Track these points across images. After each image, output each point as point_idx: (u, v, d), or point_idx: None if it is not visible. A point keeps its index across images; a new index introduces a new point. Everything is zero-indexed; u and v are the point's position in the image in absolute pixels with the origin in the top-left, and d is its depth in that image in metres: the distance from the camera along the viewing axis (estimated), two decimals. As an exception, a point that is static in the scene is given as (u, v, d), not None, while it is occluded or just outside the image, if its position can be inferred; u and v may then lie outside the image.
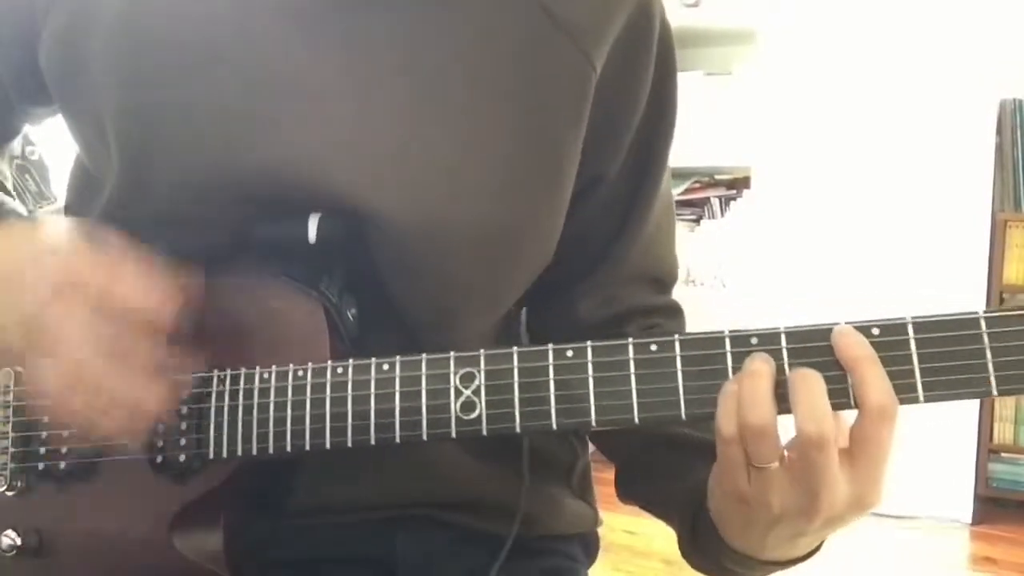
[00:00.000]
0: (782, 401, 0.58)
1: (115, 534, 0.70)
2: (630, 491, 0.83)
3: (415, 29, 0.73)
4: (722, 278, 3.30)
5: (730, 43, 3.26)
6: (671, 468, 0.76)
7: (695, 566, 0.74)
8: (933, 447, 2.88)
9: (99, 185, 0.77)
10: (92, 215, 0.78)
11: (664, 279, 0.86)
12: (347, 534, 0.80)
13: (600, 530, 0.92)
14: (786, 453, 0.58)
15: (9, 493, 0.72)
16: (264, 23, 0.72)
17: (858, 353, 0.57)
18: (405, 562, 0.81)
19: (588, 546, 0.90)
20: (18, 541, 0.72)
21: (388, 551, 0.81)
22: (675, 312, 0.86)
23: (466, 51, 0.74)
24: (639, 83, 0.78)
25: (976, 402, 2.90)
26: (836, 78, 2.96)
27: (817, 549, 0.67)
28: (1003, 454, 3.00)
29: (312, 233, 0.72)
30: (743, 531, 0.64)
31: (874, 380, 0.57)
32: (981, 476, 2.97)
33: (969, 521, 2.90)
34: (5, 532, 0.72)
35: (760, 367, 0.58)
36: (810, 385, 0.57)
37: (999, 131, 2.91)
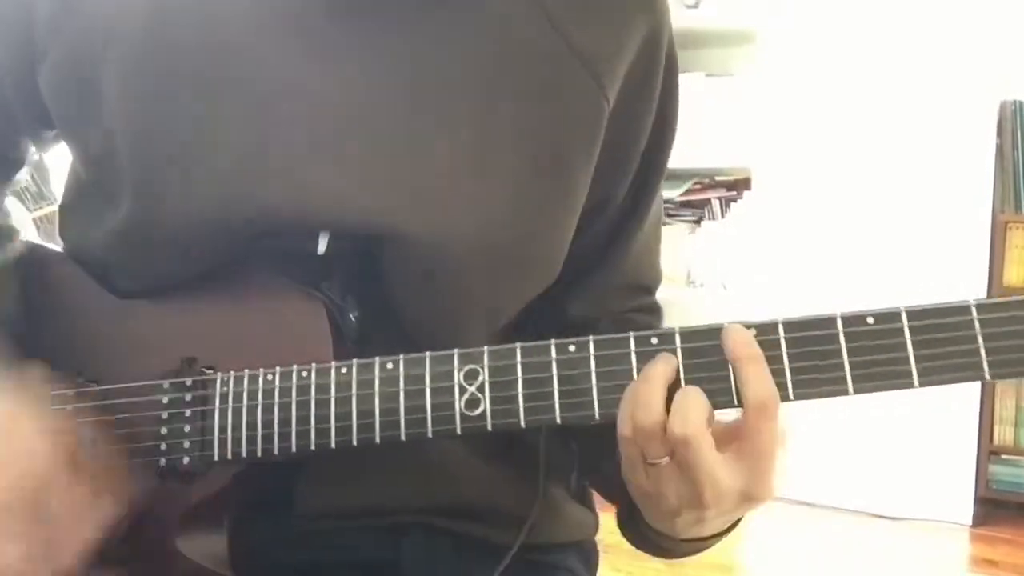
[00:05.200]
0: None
1: (120, 537, 0.70)
2: (589, 475, 0.85)
3: (427, 50, 0.73)
4: (723, 279, 3.29)
5: (731, 44, 3.25)
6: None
7: (630, 541, 0.76)
8: (933, 449, 2.89)
9: (105, 197, 0.76)
10: (100, 228, 0.77)
11: (650, 286, 0.89)
12: (351, 539, 0.80)
13: (600, 531, 0.92)
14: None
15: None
16: (276, 51, 0.72)
17: (741, 352, 0.60)
18: (409, 568, 0.81)
19: (588, 559, 0.90)
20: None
21: (392, 557, 0.81)
22: (653, 309, 0.89)
23: (478, 70, 0.74)
24: (647, 110, 0.80)
25: (976, 403, 2.91)
26: (837, 80, 2.95)
27: (735, 525, 0.69)
28: (1003, 456, 2.99)
29: (322, 246, 0.72)
30: (653, 517, 0.67)
31: (755, 378, 0.59)
32: (981, 478, 2.96)
33: (969, 523, 2.89)
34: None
35: (655, 371, 0.61)
36: (688, 398, 0.60)
37: (1000, 133, 2.91)
